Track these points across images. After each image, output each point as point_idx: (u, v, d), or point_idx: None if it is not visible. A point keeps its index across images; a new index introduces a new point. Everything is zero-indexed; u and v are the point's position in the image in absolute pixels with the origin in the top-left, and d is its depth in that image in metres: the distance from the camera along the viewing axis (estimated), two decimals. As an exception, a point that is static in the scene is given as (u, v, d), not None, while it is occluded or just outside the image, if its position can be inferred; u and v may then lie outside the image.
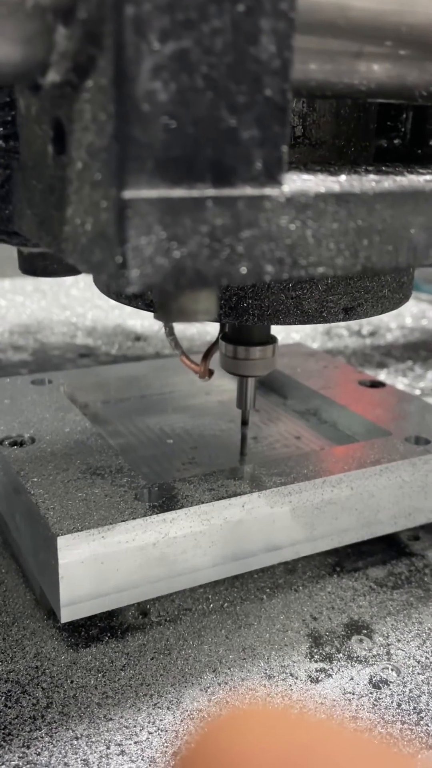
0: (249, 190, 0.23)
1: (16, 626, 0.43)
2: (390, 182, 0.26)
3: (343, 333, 1.03)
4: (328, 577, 0.49)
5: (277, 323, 0.40)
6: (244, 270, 0.23)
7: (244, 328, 0.48)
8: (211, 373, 0.50)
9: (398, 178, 0.27)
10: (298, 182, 0.24)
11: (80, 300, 1.17)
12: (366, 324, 1.07)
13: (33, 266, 0.34)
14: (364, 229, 0.25)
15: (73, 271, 0.33)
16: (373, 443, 0.50)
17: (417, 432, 0.52)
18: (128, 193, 0.21)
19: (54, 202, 0.26)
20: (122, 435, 0.57)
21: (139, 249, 0.22)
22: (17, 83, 0.25)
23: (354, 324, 1.07)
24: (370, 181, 0.26)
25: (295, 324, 0.40)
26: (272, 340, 0.49)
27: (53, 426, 0.51)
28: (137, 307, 0.42)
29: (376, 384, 0.62)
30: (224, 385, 0.66)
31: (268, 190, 0.23)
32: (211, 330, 1.01)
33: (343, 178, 0.26)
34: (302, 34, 0.24)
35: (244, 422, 0.52)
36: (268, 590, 0.47)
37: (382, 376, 0.87)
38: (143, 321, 1.06)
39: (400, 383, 0.85)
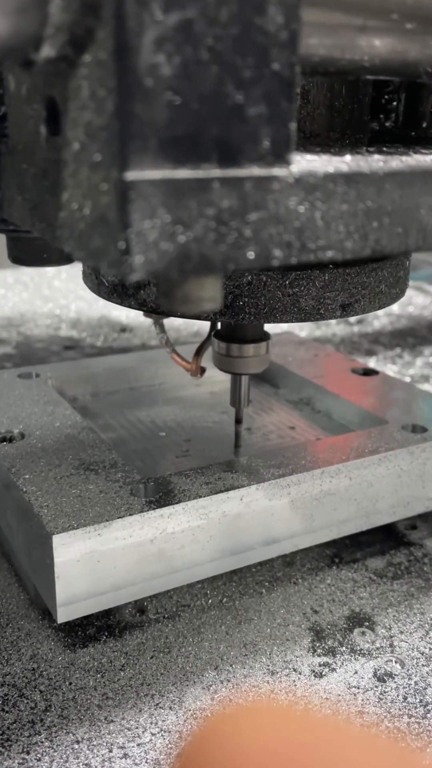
0: (256, 170, 0.22)
1: (10, 627, 0.42)
2: (398, 162, 0.25)
3: (331, 321, 1.02)
4: (327, 569, 0.48)
5: (274, 321, 0.39)
6: (251, 255, 0.22)
7: (237, 324, 0.47)
8: (202, 370, 0.49)
9: (405, 158, 0.26)
10: (304, 163, 0.23)
11: (63, 291, 1.15)
12: (353, 312, 1.06)
13: (23, 255, 0.33)
14: (373, 211, 0.24)
15: (65, 259, 0.32)
16: (370, 432, 0.49)
17: (413, 420, 0.51)
18: (131, 175, 0.20)
19: (48, 187, 0.25)
20: (113, 428, 0.55)
21: (142, 234, 0.20)
22: (6, 59, 0.24)
23: (341, 312, 1.06)
24: (378, 161, 0.25)
25: (292, 322, 0.39)
26: (266, 336, 0.48)
27: (43, 420, 0.50)
28: (129, 306, 0.41)
29: (369, 372, 0.61)
30: (215, 376, 0.64)
31: (276, 170, 0.22)
32: (198, 322, 1.00)
33: (348, 158, 0.25)
34: (305, 6, 0.23)
35: (238, 420, 0.51)
36: (267, 584, 0.46)
37: (371, 363, 0.86)
38: (128, 312, 1.04)
39: (390, 371, 0.84)
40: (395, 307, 1.10)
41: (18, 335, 0.95)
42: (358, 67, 0.27)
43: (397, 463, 0.47)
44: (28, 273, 1.25)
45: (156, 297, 0.38)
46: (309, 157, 0.24)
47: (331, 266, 0.39)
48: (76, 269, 1.28)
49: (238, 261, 0.22)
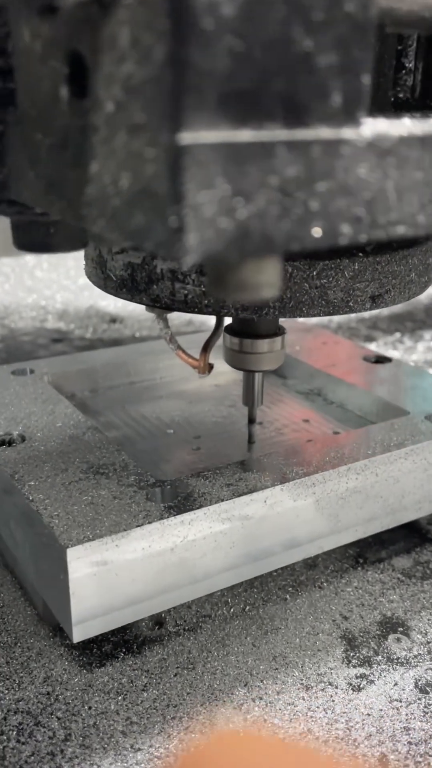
0: (325, 132, 0.18)
1: (19, 647, 0.38)
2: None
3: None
4: (352, 571, 0.45)
5: (300, 315, 0.36)
6: (318, 231, 0.19)
7: (250, 319, 0.44)
8: (210, 367, 0.46)
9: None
10: (373, 125, 0.20)
11: (46, 282, 1.11)
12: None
13: (32, 240, 0.29)
14: (448, 180, 0.21)
15: (79, 244, 0.29)
16: (393, 424, 0.47)
17: (436, 409, 0.49)
18: (186, 137, 0.17)
19: (69, 159, 0.21)
20: (117, 427, 0.52)
21: (198, 208, 0.17)
22: (22, 6, 0.20)
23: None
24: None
25: (319, 315, 0.36)
26: (281, 331, 0.45)
27: (43, 421, 0.46)
28: (141, 302, 0.38)
29: (382, 359, 0.58)
30: (219, 367, 0.61)
31: (347, 132, 0.19)
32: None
33: (420, 121, 0.22)
34: None
35: (252, 420, 0.48)
36: (290, 589, 0.43)
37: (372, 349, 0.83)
38: (117, 302, 1.00)
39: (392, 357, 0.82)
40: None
41: (2, 328, 0.91)
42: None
43: (424, 456, 0.45)
44: (7, 264, 1.20)
45: (168, 291, 0.35)
46: (371, 119, 0.21)
47: (360, 254, 0.36)
48: (57, 258, 1.23)
49: (303, 239, 0.19)
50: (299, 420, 0.53)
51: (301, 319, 0.91)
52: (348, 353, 0.60)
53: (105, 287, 0.39)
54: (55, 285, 1.09)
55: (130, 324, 0.92)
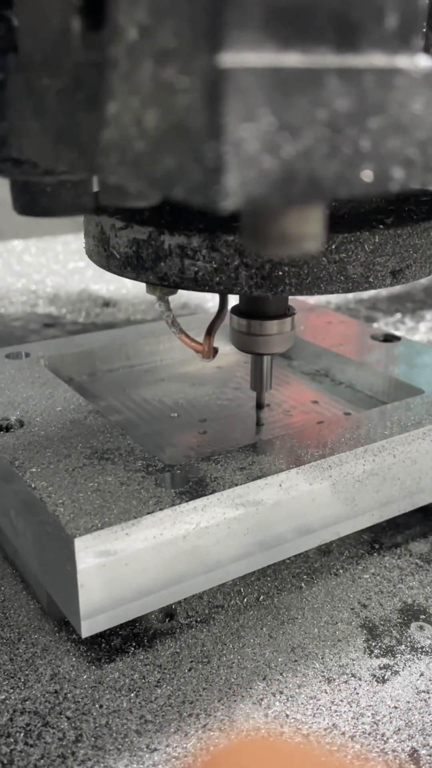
0: (379, 59, 0.16)
1: (23, 643, 0.36)
2: None
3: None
4: (368, 557, 0.43)
5: (318, 293, 0.34)
6: (368, 175, 0.17)
7: (258, 298, 0.42)
8: (215, 352, 0.44)
9: None
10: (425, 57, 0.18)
11: (35, 266, 1.08)
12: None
13: (34, 203, 0.27)
14: None
15: (85, 206, 0.26)
16: (409, 404, 0.45)
17: (451, 388, 0.47)
18: (228, 59, 0.14)
19: (83, 102, 0.19)
20: (118, 411, 0.50)
21: (240, 143, 0.15)
22: None
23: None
24: None
25: (338, 292, 0.34)
26: (291, 311, 0.43)
27: (42, 405, 0.44)
28: (147, 281, 0.35)
29: (390, 338, 0.56)
30: (220, 349, 0.59)
31: (402, 61, 0.17)
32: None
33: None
34: None
35: (260, 406, 0.46)
36: (305, 577, 0.42)
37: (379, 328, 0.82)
38: (109, 285, 0.98)
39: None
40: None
41: (-8, 314, 0.89)
42: None
43: (442, 436, 0.43)
44: (-6, 249, 1.18)
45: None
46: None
47: (381, 226, 0.34)
48: (45, 243, 1.21)
49: (352, 184, 0.17)
50: (308, 401, 0.51)
51: (301, 297, 0.89)
52: (355, 332, 0.58)
53: (108, 266, 0.37)
54: (45, 269, 1.06)
55: (123, 308, 0.90)
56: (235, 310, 0.43)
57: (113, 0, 0.17)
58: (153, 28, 0.16)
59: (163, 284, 0.35)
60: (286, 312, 0.43)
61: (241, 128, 0.15)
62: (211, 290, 0.34)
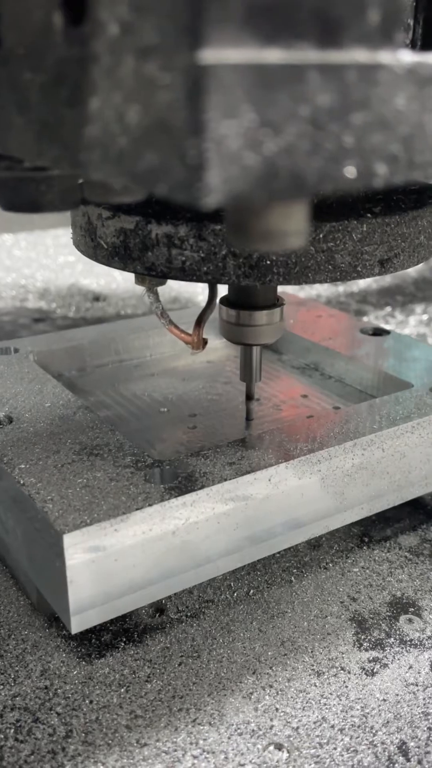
0: (361, 55, 0.16)
1: (13, 639, 0.36)
2: None
3: (314, 282, 0.97)
4: (357, 550, 0.44)
5: (306, 282, 0.33)
6: (351, 171, 0.17)
7: (247, 288, 0.42)
8: (204, 343, 0.44)
9: None
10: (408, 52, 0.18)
11: (25, 260, 1.08)
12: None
13: (20, 200, 0.26)
14: None
15: (74, 201, 0.26)
16: (398, 397, 0.45)
17: (440, 381, 0.47)
18: (209, 55, 0.14)
19: (65, 97, 0.19)
20: (108, 406, 0.50)
21: (221, 140, 0.15)
22: None
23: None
24: None
25: (326, 282, 0.34)
26: (280, 301, 0.43)
27: (31, 401, 0.44)
28: (134, 271, 0.35)
29: (380, 332, 0.56)
30: (210, 343, 0.59)
31: (384, 56, 0.16)
32: (175, 285, 0.94)
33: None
34: None
35: (249, 397, 0.46)
36: (295, 571, 0.42)
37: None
38: (99, 279, 0.98)
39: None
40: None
41: (-18, 309, 0.88)
42: None
43: (430, 429, 0.43)
44: (-16, 244, 1.17)
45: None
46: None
47: (369, 215, 0.34)
48: (35, 237, 1.20)
49: (336, 179, 0.17)
50: (297, 396, 0.51)
51: (291, 291, 0.89)
52: (344, 326, 0.58)
53: (95, 256, 0.36)
54: (35, 264, 1.06)
55: (114, 302, 0.90)
56: (224, 300, 0.43)
57: (94, -5, 0.17)
58: (134, 24, 0.16)
59: (151, 274, 0.35)
60: (275, 302, 0.43)
61: (222, 125, 0.15)
62: (199, 280, 0.34)
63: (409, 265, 0.36)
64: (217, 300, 0.43)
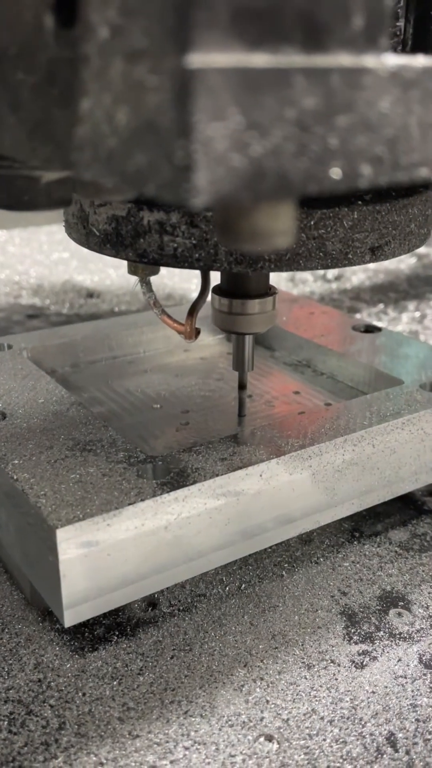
0: (346, 59, 0.16)
1: (7, 633, 0.37)
2: None
3: (308, 278, 0.98)
4: (348, 545, 0.44)
5: (297, 269, 0.34)
6: (337, 172, 0.17)
7: (240, 277, 0.42)
8: (197, 332, 0.44)
9: None
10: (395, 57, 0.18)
11: (19, 257, 1.08)
12: (330, 268, 1.02)
13: (12, 197, 0.27)
14: (473, 118, 0.19)
15: (66, 200, 0.26)
16: (388, 394, 0.45)
17: (430, 378, 0.47)
18: (195, 59, 0.15)
19: (56, 97, 0.19)
20: (101, 402, 0.50)
21: (209, 142, 0.15)
22: None
23: (318, 269, 1.02)
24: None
25: (317, 269, 0.34)
26: (272, 291, 0.43)
27: (24, 397, 0.44)
28: (126, 258, 0.35)
29: (371, 329, 0.57)
30: (203, 340, 0.60)
31: (368, 60, 0.17)
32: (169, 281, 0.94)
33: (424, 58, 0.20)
34: None
35: (242, 386, 0.46)
36: (286, 565, 0.42)
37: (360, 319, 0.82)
38: (93, 276, 0.98)
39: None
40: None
41: (-24, 306, 0.89)
42: None
43: (420, 426, 0.43)
44: (-21, 240, 1.17)
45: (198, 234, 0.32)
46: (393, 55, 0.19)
47: (359, 203, 0.34)
48: (29, 233, 1.20)
49: (321, 180, 0.17)
50: (289, 392, 0.52)
51: (285, 288, 0.89)
52: (336, 323, 0.59)
53: (87, 243, 0.37)
54: (29, 260, 1.06)
55: (108, 299, 0.90)
56: (217, 289, 0.43)
57: (85, 0, 0.17)
58: (124, 27, 0.16)
59: (143, 261, 0.35)
60: (268, 291, 0.43)
61: (210, 127, 0.15)
62: (191, 267, 0.34)
63: (399, 253, 0.36)
64: (210, 289, 0.43)
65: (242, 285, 0.42)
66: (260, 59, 0.15)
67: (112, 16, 0.16)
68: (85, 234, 0.36)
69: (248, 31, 0.15)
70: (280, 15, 0.15)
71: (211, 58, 0.15)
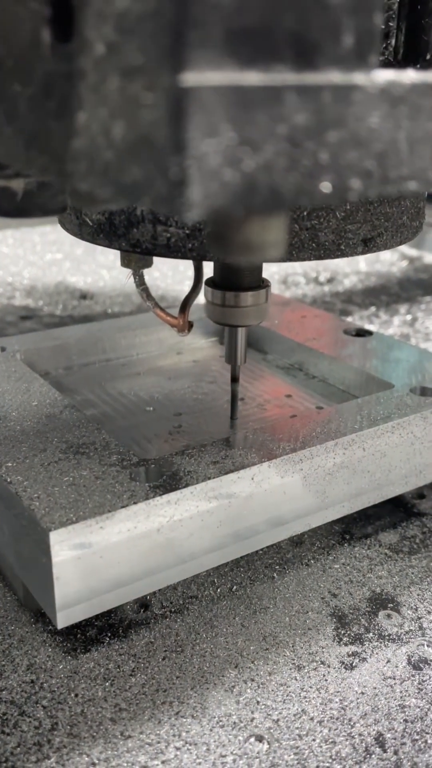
0: (336, 76, 0.17)
1: (-1, 634, 0.37)
2: None
3: (300, 281, 0.98)
4: (338, 547, 0.44)
5: (290, 260, 0.34)
6: (327, 186, 0.18)
7: (232, 270, 0.42)
8: (190, 326, 0.45)
9: None
10: (381, 73, 0.19)
11: (12, 258, 1.08)
12: (323, 270, 1.02)
13: (8, 204, 0.27)
14: (460, 133, 0.20)
15: (61, 207, 0.27)
16: (379, 398, 0.46)
17: (420, 382, 0.48)
18: (190, 78, 0.15)
19: (53, 110, 0.20)
20: (94, 405, 0.50)
21: (202, 158, 0.16)
22: None
23: (311, 271, 1.02)
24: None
25: (310, 260, 0.35)
26: (265, 283, 0.43)
27: (18, 399, 0.44)
28: (119, 248, 0.35)
29: (363, 332, 0.57)
30: (196, 343, 0.60)
31: (358, 77, 0.17)
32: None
33: (415, 73, 0.21)
34: None
35: (234, 379, 0.47)
36: (277, 567, 0.43)
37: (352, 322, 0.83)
38: (86, 277, 0.98)
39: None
40: (363, 265, 1.06)
41: (-31, 307, 0.89)
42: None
43: (410, 429, 0.44)
44: (-28, 240, 1.17)
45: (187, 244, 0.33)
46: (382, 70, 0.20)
47: None
48: (23, 233, 1.20)
49: (312, 194, 0.18)
50: (281, 396, 0.52)
51: (277, 291, 0.89)
52: (328, 326, 0.59)
53: (80, 234, 0.37)
54: (22, 261, 1.06)
55: (101, 300, 0.90)
56: (210, 282, 0.43)
57: (82, 14, 0.17)
58: (120, 44, 0.16)
59: (136, 251, 0.35)
60: (261, 284, 0.43)
61: (203, 143, 0.16)
62: (184, 257, 0.34)
63: (392, 245, 0.37)
64: (203, 282, 0.44)
65: (235, 277, 0.42)
66: (253, 77, 0.16)
67: (109, 32, 0.17)
68: (78, 224, 0.36)
69: (241, 50, 0.15)
70: (272, 35, 0.16)
71: (204, 76, 0.15)
